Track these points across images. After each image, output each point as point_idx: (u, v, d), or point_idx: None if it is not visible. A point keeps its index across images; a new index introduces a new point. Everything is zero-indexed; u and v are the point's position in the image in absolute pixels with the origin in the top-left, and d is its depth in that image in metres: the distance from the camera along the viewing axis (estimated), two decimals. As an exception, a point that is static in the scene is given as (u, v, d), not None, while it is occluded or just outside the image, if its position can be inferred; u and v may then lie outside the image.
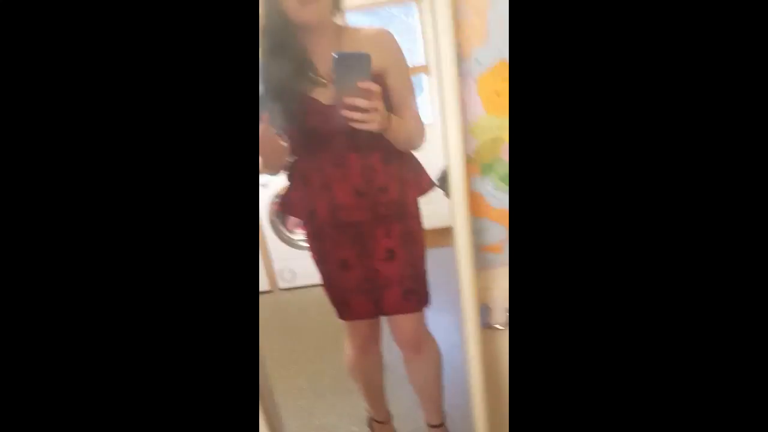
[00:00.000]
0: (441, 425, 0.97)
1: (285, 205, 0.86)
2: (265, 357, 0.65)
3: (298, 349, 1.50)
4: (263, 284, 1.84)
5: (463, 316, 0.66)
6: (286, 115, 0.72)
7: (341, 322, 0.88)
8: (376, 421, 1.04)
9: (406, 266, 0.81)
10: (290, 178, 0.82)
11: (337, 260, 0.81)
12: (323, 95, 0.71)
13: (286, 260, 1.86)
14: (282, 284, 1.89)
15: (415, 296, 0.83)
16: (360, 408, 1.06)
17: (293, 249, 1.80)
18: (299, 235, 1.76)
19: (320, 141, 0.74)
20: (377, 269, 0.80)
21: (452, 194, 0.60)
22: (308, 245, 0.86)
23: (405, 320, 0.84)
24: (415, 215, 0.82)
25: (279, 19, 0.66)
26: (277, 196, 1.64)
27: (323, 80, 0.71)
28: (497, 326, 0.70)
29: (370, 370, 0.97)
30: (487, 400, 0.70)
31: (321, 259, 0.84)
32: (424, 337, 0.88)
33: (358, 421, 1.09)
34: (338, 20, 0.71)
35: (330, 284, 0.85)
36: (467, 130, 0.61)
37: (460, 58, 0.57)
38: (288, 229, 1.87)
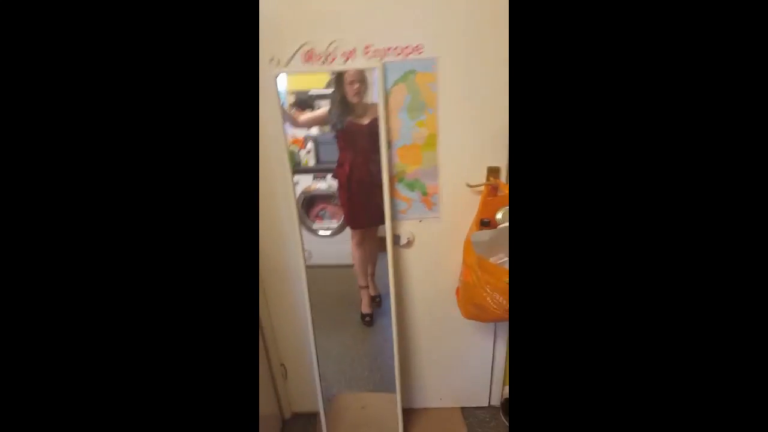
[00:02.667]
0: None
1: (334, 172, 1.61)
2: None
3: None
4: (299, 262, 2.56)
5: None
6: (340, 123, 1.48)
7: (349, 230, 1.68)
8: (360, 286, 1.79)
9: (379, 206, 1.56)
10: (339, 158, 1.57)
11: (354, 200, 1.57)
12: (356, 120, 1.47)
13: (308, 244, 2.54)
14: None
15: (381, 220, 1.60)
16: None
17: (311, 234, 2.48)
18: (317, 225, 2.46)
19: (353, 140, 1.50)
20: (371, 207, 1.55)
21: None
22: (339, 196, 1.62)
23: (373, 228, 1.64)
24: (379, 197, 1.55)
25: (343, 94, 1.42)
26: (303, 192, 2.35)
27: (357, 114, 1.47)
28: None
29: (362, 256, 1.75)
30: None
31: (345, 201, 1.59)
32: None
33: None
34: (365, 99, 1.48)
35: (349, 212, 1.63)
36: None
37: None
38: (311, 220, 2.57)
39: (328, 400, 1.61)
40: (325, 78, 1.65)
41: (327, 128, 1.82)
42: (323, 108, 1.51)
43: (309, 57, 1.19)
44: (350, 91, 1.40)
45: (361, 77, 1.42)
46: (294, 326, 1.61)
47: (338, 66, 1.22)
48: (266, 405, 1.57)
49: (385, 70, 1.20)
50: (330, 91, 1.54)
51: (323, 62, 1.20)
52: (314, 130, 1.91)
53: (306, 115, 1.55)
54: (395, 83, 1.22)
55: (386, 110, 1.26)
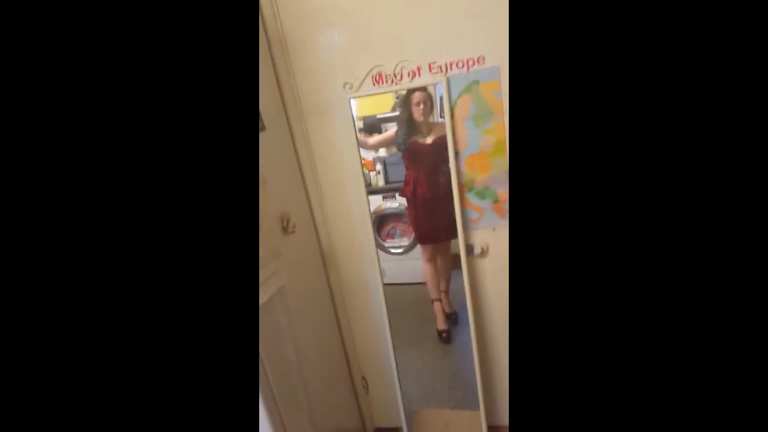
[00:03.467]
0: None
1: (401, 191, 1.69)
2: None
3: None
4: (377, 279, 2.63)
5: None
6: (404, 142, 1.57)
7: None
8: (433, 300, 1.81)
9: (447, 219, 1.59)
10: (405, 176, 1.66)
11: (421, 216, 1.63)
12: (420, 139, 1.55)
13: (381, 262, 2.62)
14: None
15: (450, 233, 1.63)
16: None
17: (383, 253, 2.56)
18: (389, 244, 2.53)
19: (417, 158, 1.57)
20: (438, 222, 1.61)
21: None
22: (407, 213, 1.69)
23: (444, 244, 1.68)
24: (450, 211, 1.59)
25: (409, 114, 1.50)
26: (374, 212, 2.47)
27: (422, 134, 1.54)
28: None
29: (433, 271, 1.78)
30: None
31: (413, 218, 1.66)
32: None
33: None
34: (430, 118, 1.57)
35: (417, 228, 1.69)
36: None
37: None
38: (382, 239, 2.66)
39: (409, 416, 1.60)
40: (391, 101, 1.76)
41: (393, 149, 1.93)
42: (391, 130, 1.60)
43: (378, 80, 1.29)
44: (416, 111, 1.48)
45: (426, 97, 1.50)
46: (373, 342, 1.65)
47: (405, 84, 1.29)
48: (349, 419, 1.61)
49: (449, 83, 1.26)
50: (396, 113, 1.65)
51: (392, 82, 1.29)
52: (382, 152, 2.02)
53: (375, 138, 1.66)
54: (460, 95, 1.27)
55: (452, 121, 1.30)
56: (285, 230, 1.14)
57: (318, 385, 1.34)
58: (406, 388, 1.61)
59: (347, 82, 1.30)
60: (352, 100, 1.34)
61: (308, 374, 1.25)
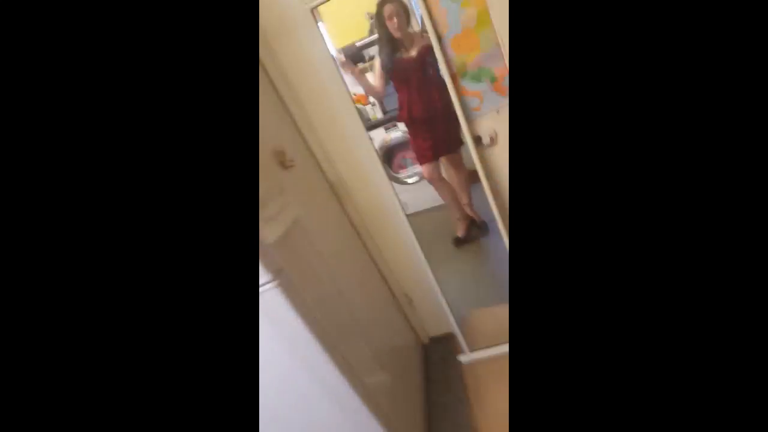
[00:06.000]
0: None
1: (398, 114, 1.63)
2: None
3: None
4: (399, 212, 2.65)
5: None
6: (389, 62, 1.50)
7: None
8: (456, 219, 1.86)
9: (446, 133, 1.53)
10: (398, 100, 1.60)
11: (419, 136, 1.60)
12: (405, 56, 1.47)
13: (399, 194, 2.59)
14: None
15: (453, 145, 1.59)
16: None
17: (399, 185, 2.52)
18: (402, 174, 2.47)
19: (407, 77, 1.51)
20: (435, 138, 1.56)
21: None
22: (407, 130, 1.65)
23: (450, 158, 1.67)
24: (449, 116, 1.49)
25: (386, 32, 1.43)
26: (381, 146, 2.39)
27: (405, 49, 1.46)
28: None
29: (448, 189, 1.79)
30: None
31: (412, 136, 1.64)
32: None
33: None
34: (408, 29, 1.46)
35: (416, 147, 1.66)
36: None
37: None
38: (393, 171, 2.60)
39: (461, 321, 1.62)
40: (366, 25, 1.62)
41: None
42: (376, 64, 1.55)
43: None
44: (391, 27, 1.38)
45: (397, 8, 1.37)
46: (408, 263, 1.65)
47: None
48: (402, 335, 1.65)
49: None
50: (374, 37, 1.52)
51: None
52: (372, 80, 1.91)
53: (367, 75, 1.59)
54: (426, -31, 1.14)
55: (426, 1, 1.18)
56: (283, 165, 1.10)
57: (364, 309, 1.36)
58: (450, 296, 1.62)
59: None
60: (314, 12, 1.23)
61: (351, 300, 1.26)
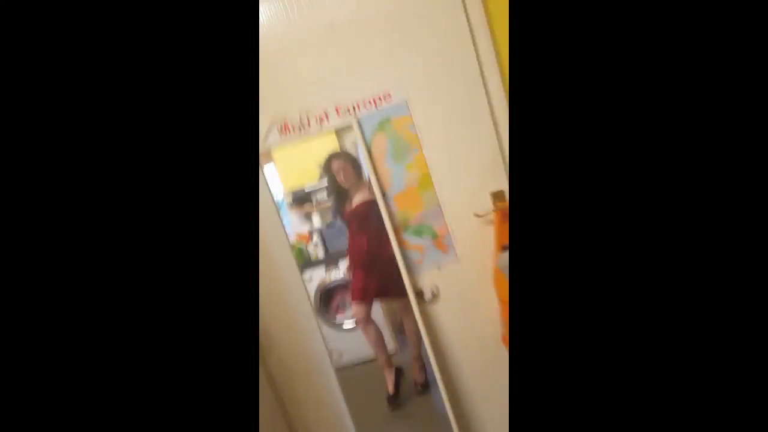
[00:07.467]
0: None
1: (348, 255, 1.61)
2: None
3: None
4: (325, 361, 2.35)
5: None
6: (338, 208, 1.55)
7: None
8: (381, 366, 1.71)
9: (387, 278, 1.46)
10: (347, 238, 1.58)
11: (358, 274, 1.61)
12: (354, 203, 1.51)
13: (335, 341, 2.35)
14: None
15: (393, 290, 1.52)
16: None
17: (335, 331, 2.31)
18: (338, 318, 2.30)
19: (357, 223, 1.54)
20: (372, 280, 1.56)
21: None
22: (348, 272, 1.62)
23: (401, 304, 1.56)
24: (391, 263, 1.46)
25: (334, 182, 1.50)
26: (319, 286, 2.25)
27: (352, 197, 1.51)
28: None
29: (375, 332, 1.70)
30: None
31: (352, 273, 1.63)
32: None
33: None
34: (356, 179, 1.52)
35: (353, 285, 1.66)
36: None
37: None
38: (330, 315, 2.41)
39: None
40: (316, 172, 1.69)
41: (329, 218, 1.82)
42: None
43: (285, 129, 1.20)
44: (338, 178, 1.44)
45: (343, 163, 1.46)
46: (335, 428, 1.38)
47: (316, 130, 1.22)
48: None
49: (360, 123, 1.21)
50: (325, 185, 1.58)
51: (300, 131, 1.21)
52: (317, 223, 1.90)
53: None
54: (374, 134, 1.22)
55: (371, 161, 1.23)
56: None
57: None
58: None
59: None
60: (268, 166, 1.24)
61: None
